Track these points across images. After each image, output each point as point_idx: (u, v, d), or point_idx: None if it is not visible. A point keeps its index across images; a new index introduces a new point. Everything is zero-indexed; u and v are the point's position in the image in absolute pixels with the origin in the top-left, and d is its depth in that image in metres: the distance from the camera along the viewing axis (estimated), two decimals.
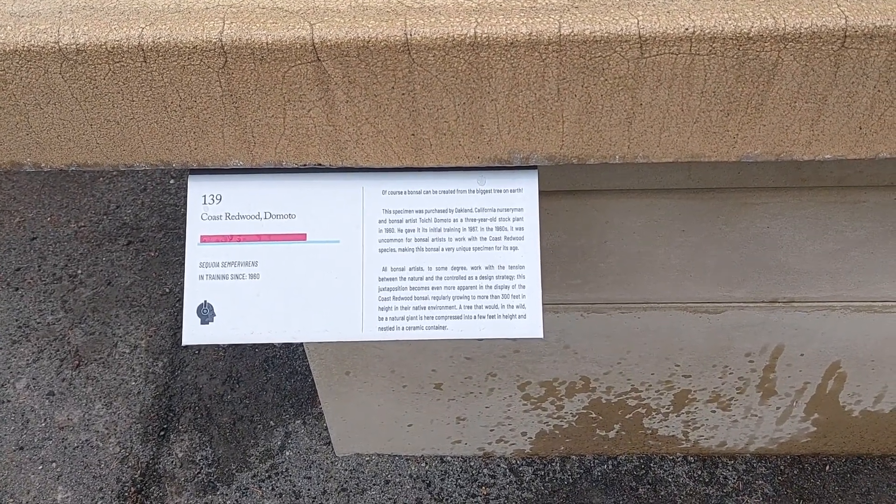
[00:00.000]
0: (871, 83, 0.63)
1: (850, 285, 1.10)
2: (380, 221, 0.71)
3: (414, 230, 0.70)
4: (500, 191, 0.72)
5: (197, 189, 0.70)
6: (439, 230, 0.71)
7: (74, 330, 1.74)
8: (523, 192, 0.73)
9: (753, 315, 1.16)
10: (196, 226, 0.69)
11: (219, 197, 0.70)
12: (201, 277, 0.69)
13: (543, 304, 1.14)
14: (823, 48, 0.61)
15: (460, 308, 0.69)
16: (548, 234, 1.03)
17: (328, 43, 0.61)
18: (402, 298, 0.69)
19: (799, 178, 0.93)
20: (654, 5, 0.62)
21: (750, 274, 1.09)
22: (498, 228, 0.71)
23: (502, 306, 0.69)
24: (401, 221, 0.71)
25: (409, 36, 0.61)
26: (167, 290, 1.81)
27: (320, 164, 0.69)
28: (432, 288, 0.69)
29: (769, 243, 1.04)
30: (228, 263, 0.69)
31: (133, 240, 1.93)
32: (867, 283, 1.10)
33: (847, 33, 0.60)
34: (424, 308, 0.69)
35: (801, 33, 0.60)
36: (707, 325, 1.18)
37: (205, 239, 0.69)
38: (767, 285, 1.11)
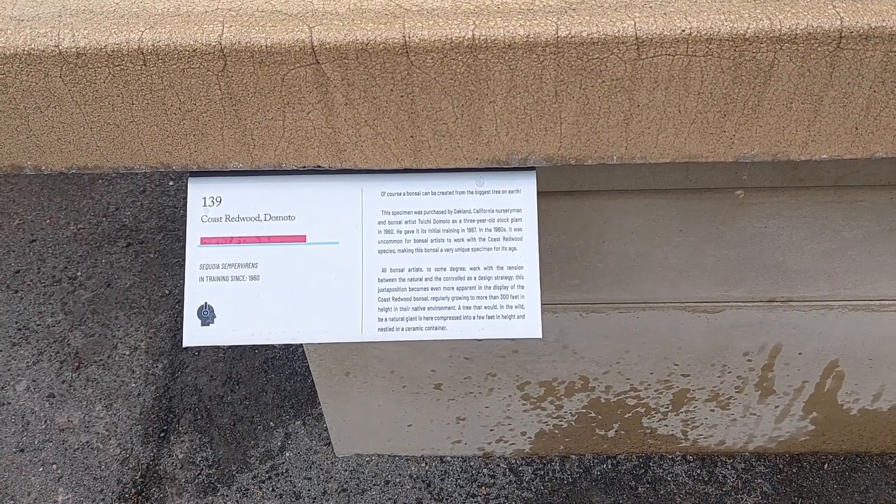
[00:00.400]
0: (866, 84, 0.64)
1: (847, 284, 1.11)
2: (379, 223, 0.71)
3: (413, 231, 0.71)
4: (499, 192, 0.73)
5: (197, 191, 0.70)
6: (438, 231, 0.71)
7: (74, 332, 1.74)
8: (522, 193, 0.73)
9: (751, 314, 1.16)
10: (196, 228, 0.70)
11: (219, 199, 0.70)
12: (202, 279, 0.69)
13: (542, 304, 1.14)
14: (819, 49, 0.62)
15: (459, 308, 0.70)
16: (546, 235, 1.03)
17: (327, 45, 0.62)
18: (402, 299, 0.69)
19: (796, 178, 0.94)
20: (650, 7, 0.62)
21: (748, 273, 1.09)
22: (496, 229, 0.72)
23: (501, 307, 0.70)
24: (400, 223, 0.71)
25: (407, 38, 0.62)
26: (167, 292, 1.81)
27: (320, 166, 0.70)
28: (431, 289, 0.70)
29: (767, 243, 1.04)
30: (228, 265, 0.70)
31: (132, 241, 1.93)
32: (864, 282, 1.10)
33: (843, 34, 0.61)
34: (424, 309, 0.69)
35: (796, 34, 0.61)
36: (705, 324, 1.18)
37: (205, 241, 0.70)
38: (765, 285, 1.11)
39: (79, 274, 1.86)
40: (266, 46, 0.61)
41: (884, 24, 0.60)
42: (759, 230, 1.02)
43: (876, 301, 1.14)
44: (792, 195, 0.98)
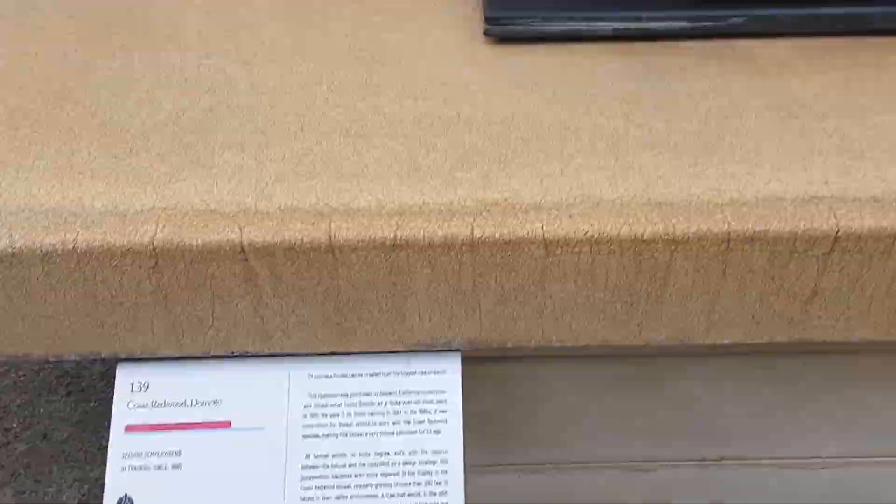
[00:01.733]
0: (757, 279, 0.69)
1: (778, 443, 1.14)
2: (305, 406, 0.72)
3: (338, 415, 0.72)
4: (424, 372, 0.75)
5: (125, 377, 0.71)
6: (363, 414, 0.72)
7: (4, 490, 1.66)
8: (447, 374, 0.75)
9: (687, 472, 1.17)
10: (122, 414, 0.70)
11: (146, 385, 0.71)
12: (123, 469, 0.69)
13: (478, 465, 1.14)
14: (711, 249, 0.67)
15: (383, 497, 0.70)
16: (477, 400, 1.05)
17: (256, 245, 0.65)
18: (325, 487, 0.70)
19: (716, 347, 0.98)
20: (557, 210, 0.68)
21: (679, 433, 1.12)
22: (422, 411, 0.73)
23: (425, 493, 0.70)
24: (325, 406, 0.72)
25: (333, 239, 0.66)
26: (104, 444, 1.76)
27: (248, 352, 0.72)
28: (355, 475, 0.70)
29: (698, 405, 1.08)
30: (151, 454, 0.69)
31: (73, 389, 1.89)
32: (793, 440, 1.13)
33: (731, 237, 0.67)
34: (346, 498, 0.70)
35: (689, 237, 0.67)
36: (642, 483, 1.19)
37: (130, 428, 0.70)
38: (696, 444, 1.13)
39: (14, 425, 1.80)
40: (197, 246, 0.65)
41: (766, 229, 0.66)
42: (685, 392, 1.06)
43: (808, 459, 1.16)
44: (719, 360, 1.02)
